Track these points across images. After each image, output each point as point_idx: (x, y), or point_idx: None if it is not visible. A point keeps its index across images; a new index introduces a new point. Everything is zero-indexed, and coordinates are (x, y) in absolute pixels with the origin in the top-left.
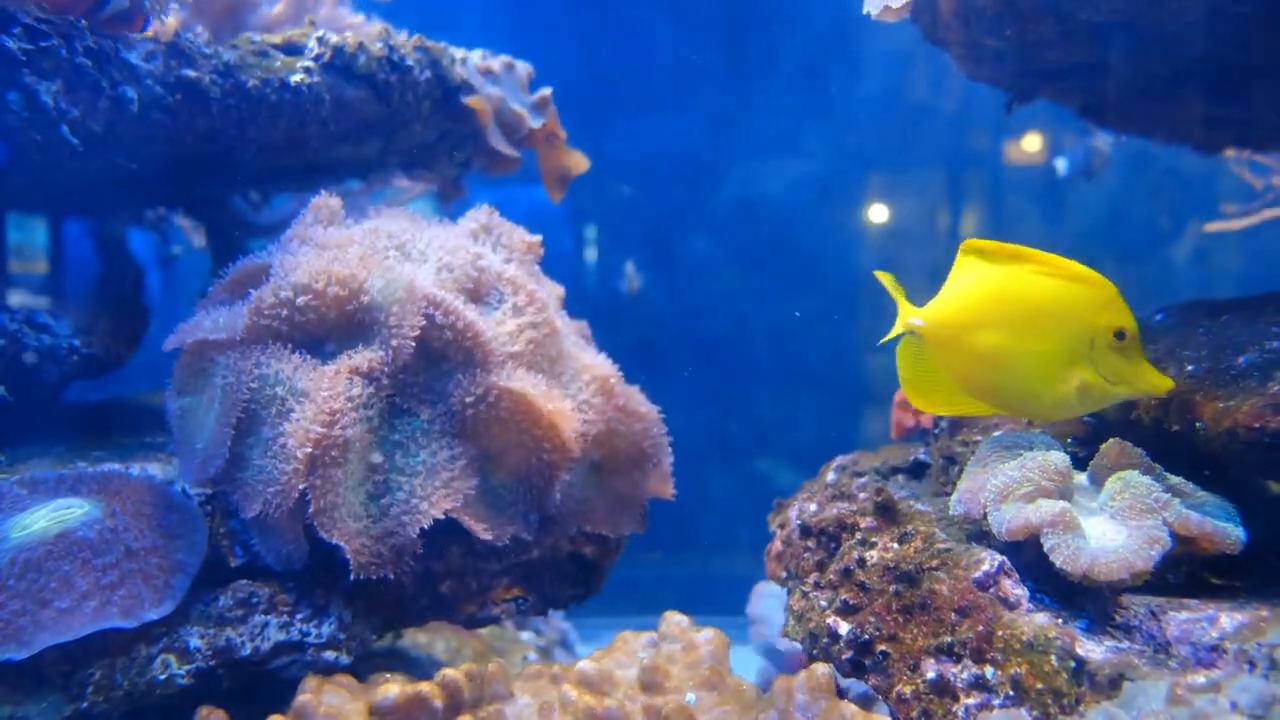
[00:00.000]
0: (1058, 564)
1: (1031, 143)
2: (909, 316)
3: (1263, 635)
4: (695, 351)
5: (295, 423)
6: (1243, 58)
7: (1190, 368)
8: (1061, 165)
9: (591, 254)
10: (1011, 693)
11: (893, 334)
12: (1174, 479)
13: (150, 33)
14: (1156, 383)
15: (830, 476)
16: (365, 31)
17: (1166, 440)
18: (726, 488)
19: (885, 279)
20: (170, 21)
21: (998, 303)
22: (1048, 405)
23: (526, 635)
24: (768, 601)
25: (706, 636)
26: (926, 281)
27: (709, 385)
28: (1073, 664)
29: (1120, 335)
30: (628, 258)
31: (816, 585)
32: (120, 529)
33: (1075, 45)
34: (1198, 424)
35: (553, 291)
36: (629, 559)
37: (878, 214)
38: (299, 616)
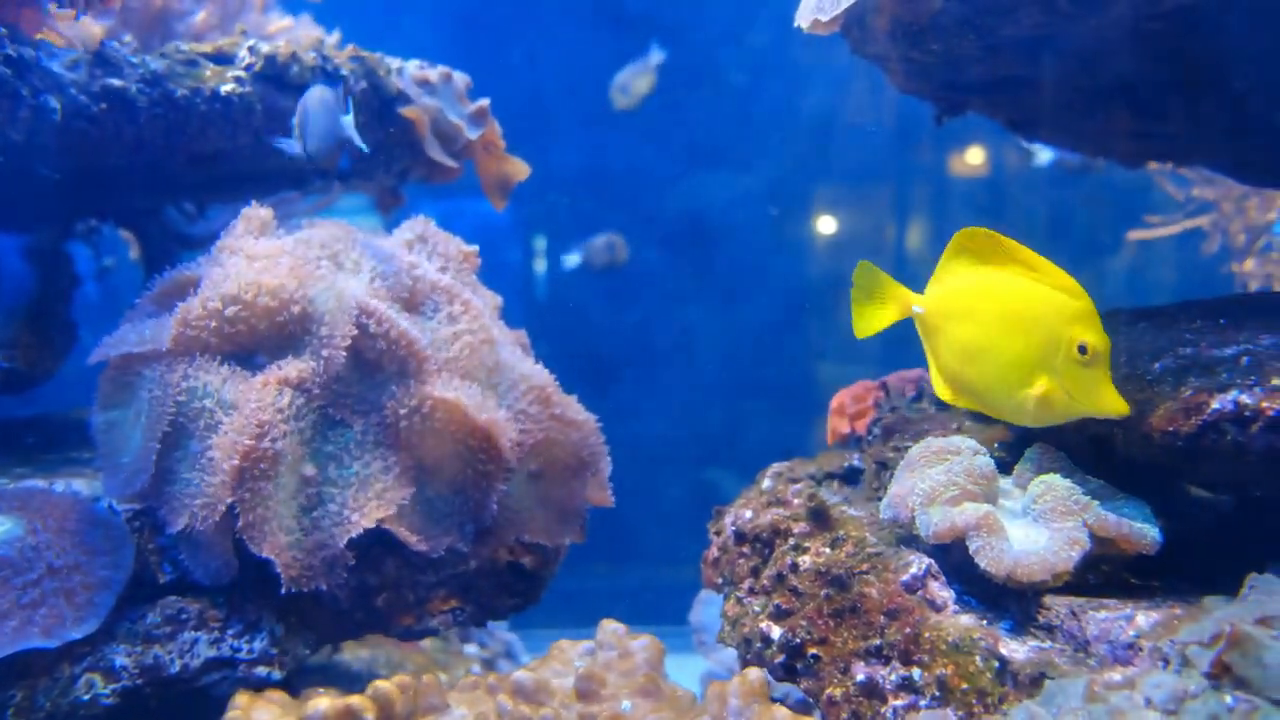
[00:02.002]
0: (982, 566)
1: (974, 155)
2: (911, 304)
3: (1176, 633)
4: (641, 363)
5: (223, 435)
6: (1159, 74)
7: None
8: (1045, 155)
9: (539, 266)
10: (937, 693)
11: (889, 323)
12: (1094, 482)
13: (62, 40)
14: (1113, 404)
15: (766, 483)
16: (298, 40)
17: (1088, 444)
18: (674, 498)
19: (875, 271)
20: (96, 29)
21: (980, 297)
22: (1011, 407)
23: (471, 648)
24: (710, 609)
25: (642, 644)
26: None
27: (655, 396)
28: (996, 664)
29: (1083, 350)
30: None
31: (751, 591)
32: (42, 546)
33: (1000, 60)
34: (1115, 428)
35: (490, 301)
36: (577, 570)
37: (823, 225)
38: (230, 632)
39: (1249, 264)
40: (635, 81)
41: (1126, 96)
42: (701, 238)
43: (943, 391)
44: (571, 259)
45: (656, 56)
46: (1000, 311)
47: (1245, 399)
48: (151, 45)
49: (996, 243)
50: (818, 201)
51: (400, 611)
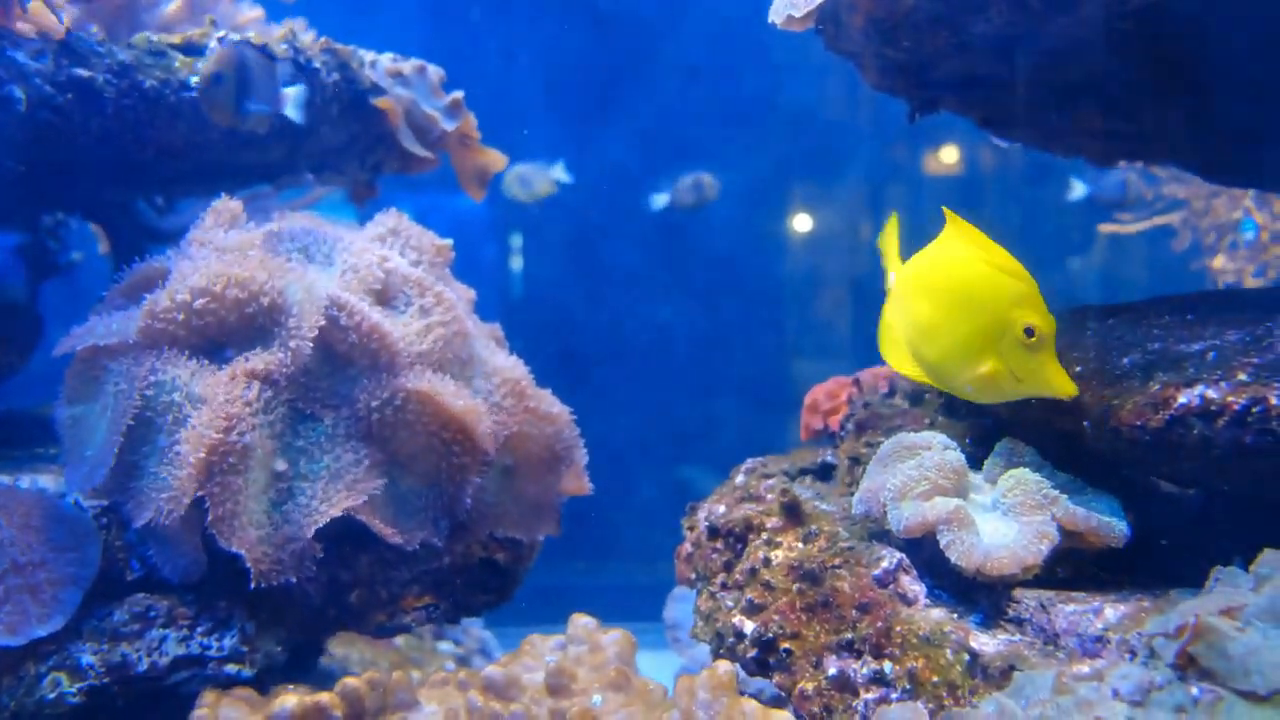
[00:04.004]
0: (953, 560)
1: (949, 154)
2: (890, 272)
3: (1142, 625)
4: (618, 360)
5: (190, 428)
6: (1128, 73)
7: (1078, 368)
8: (1080, 189)
9: (514, 261)
10: (908, 686)
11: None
12: (1064, 476)
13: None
14: (1060, 384)
15: (739, 479)
16: (269, 32)
17: (1058, 439)
18: (650, 495)
19: (888, 239)
20: (61, 20)
21: (932, 276)
22: (959, 385)
23: (445, 646)
24: (684, 606)
25: (613, 638)
26: (847, 288)
27: (632, 393)
28: (967, 657)
29: (1030, 333)
30: (549, 261)
31: (724, 586)
32: (6, 543)
33: (972, 58)
34: (1084, 422)
35: (464, 294)
36: (553, 567)
37: (799, 223)
38: (199, 630)
39: (1219, 260)
40: (536, 181)
41: (1096, 95)
42: (677, 234)
43: (890, 354)
44: (660, 199)
45: (560, 172)
46: (952, 292)
47: (1211, 394)
48: (119, 36)
49: (958, 225)
50: (794, 198)
51: (373, 608)
